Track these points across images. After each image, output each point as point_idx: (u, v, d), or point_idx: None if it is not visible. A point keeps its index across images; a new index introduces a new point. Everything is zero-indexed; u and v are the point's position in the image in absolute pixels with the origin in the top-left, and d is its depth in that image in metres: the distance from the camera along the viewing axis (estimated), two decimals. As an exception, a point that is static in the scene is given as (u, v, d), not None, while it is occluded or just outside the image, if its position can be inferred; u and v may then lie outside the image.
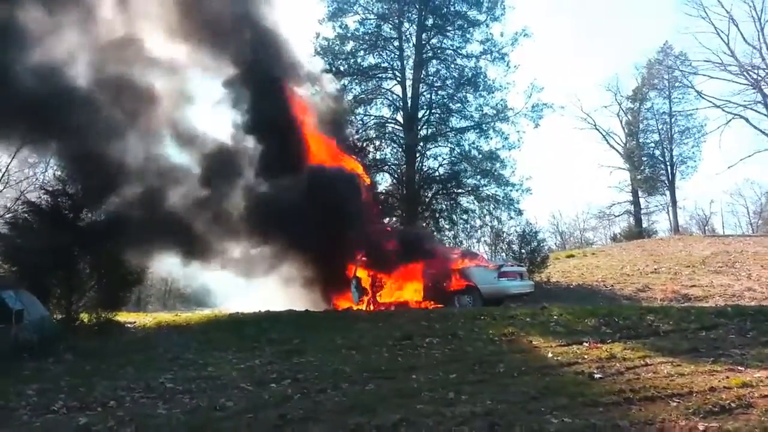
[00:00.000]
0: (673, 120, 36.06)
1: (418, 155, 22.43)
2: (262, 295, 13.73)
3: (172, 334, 9.86)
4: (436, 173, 22.85)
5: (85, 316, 10.47)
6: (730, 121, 31.03)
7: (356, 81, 22.85)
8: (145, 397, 5.54)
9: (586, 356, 5.95)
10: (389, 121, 23.23)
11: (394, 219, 20.90)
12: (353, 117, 22.17)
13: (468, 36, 22.59)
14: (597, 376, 5.20)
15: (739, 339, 6.36)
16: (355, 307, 12.79)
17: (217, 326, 10.38)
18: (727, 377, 4.83)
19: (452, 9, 22.32)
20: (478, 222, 22.91)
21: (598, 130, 39.00)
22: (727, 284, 13.63)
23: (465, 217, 22.67)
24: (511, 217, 21.84)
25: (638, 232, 35.18)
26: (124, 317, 11.49)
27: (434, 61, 23.08)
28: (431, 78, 22.98)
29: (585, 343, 6.54)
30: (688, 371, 5.10)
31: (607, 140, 39.03)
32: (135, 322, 11.24)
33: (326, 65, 21.95)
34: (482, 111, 22.46)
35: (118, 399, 5.50)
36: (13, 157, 14.83)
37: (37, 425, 4.84)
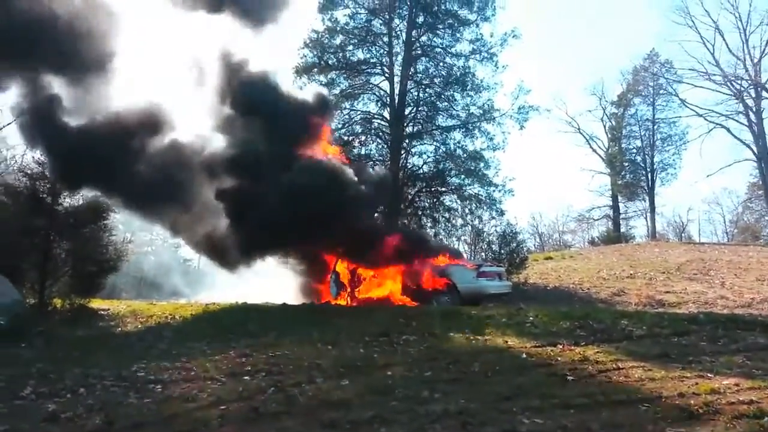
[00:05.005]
0: (655, 127, 36.65)
1: (403, 152, 22.37)
2: (239, 287, 13.64)
3: (146, 322, 9.76)
4: (421, 171, 22.83)
5: (58, 302, 10.33)
6: (711, 130, 31.65)
7: (344, 75, 22.73)
8: (116, 386, 5.48)
9: (559, 358, 6.02)
10: (376, 116, 23.13)
11: (376, 215, 20.80)
12: (340, 111, 22.07)
13: (458, 35, 22.56)
14: (570, 378, 5.25)
15: (710, 346, 6.46)
16: (333, 302, 12.77)
17: (192, 317, 10.29)
18: (697, 383, 4.91)
19: (443, 7, 22.25)
20: (460, 221, 22.97)
21: (581, 134, 39.40)
22: (701, 291, 13.84)
23: (447, 215, 22.72)
24: (493, 217, 21.90)
25: (616, 236, 35.60)
26: (97, 304, 11.33)
27: (423, 59, 23.03)
28: (419, 75, 22.93)
29: (559, 345, 6.60)
30: (659, 376, 5.18)
31: (590, 144, 39.46)
32: (109, 310, 11.09)
33: (315, 58, 21.85)
34: (469, 110, 22.46)
35: (89, 386, 5.43)
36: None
37: (4, 411, 4.75)
